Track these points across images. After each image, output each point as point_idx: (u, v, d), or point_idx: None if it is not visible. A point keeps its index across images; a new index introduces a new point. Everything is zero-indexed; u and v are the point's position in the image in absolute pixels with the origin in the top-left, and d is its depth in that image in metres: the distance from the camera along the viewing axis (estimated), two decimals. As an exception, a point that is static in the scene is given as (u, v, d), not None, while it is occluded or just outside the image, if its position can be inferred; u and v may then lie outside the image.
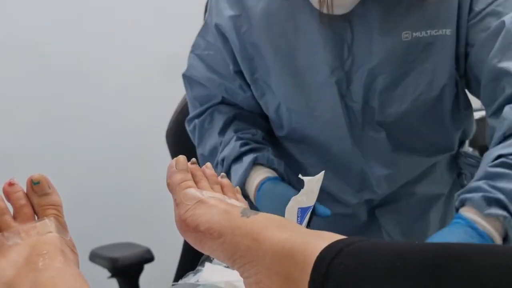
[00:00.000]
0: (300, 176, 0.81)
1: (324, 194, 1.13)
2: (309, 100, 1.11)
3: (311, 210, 0.83)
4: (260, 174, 1.11)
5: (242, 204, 0.73)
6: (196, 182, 0.71)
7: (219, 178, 0.76)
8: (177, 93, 1.56)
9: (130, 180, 2.33)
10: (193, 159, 0.75)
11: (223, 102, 1.24)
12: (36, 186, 0.64)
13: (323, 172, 0.83)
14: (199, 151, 1.23)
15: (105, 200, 2.27)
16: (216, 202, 0.67)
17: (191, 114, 1.26)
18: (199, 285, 0.88)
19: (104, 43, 2.28)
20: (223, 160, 1.16)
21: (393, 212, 1.17)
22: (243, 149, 1.14)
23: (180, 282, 0.91)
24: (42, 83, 2.16)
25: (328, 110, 1.10)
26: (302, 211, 0.80)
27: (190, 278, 0.90)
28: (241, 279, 0.61)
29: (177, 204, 0.68)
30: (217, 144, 1.19)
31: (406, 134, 1.11)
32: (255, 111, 1.23)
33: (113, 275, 1.59)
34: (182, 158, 0.73)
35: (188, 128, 1.27)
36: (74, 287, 0.54)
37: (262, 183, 1.09)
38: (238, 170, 1.13)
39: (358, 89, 1.07)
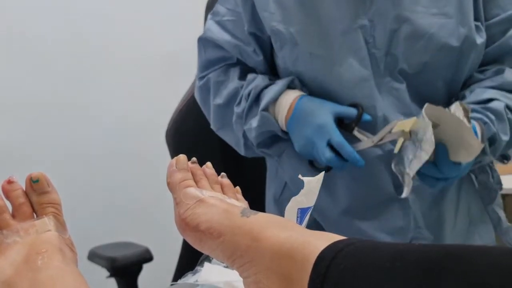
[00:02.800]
0: (299, 176, 0.81)
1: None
2: (333, 46, 1.12)
3: (310, 211, 0.82)
4: (295, 92, 1.15)
5: (242, 204, 0.73)
6: (196, 182, 0.71)
7: (219, 178, 0.76)
8: (177, 92, 1.56)
9: (130, 180, 2.33)
10: (194, 159, 0.75)
11: (235, 64, 1.25)
12: (35, 184, 0.64)
13: (323, 172, 0.82)
14: (215, 101, 1.24)
15: (104, 199, 2.27)
16: (216, 201, 0.66)
17: (203, 73, 1.27)
18: (198, 285, 0.88)
19: (104, 41, 2.28)
20: (249, 92, 1.17)
21: None
22: (272, 81, 1.18)
23: (179, 282, 0.91)
24: (42, 82, 2.15)
25: (352, 55, 1.11)
26: (301, 211, 0.80)
27: (189, 278, 0.90)
28: (240, 279, 0.61)
29: (177, 203, 0.68)
30: (238, 87, 1.20)
31: (425, 87, 1.13)
32: (264, 74, 1.23)
33: (112, 275, 1.59)
34: (182, 157, 0.73)
35: (199, 83, 1.28)
36: (73, 286, 0.54)
37: (300, 98, 1.13)
38: (270, 90, 1.15)
39: (382, 36, 1.10)
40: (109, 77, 2.29)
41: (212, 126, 1.29)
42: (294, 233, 0.57)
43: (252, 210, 0.64)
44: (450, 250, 0.45)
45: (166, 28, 2.32)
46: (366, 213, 1.16)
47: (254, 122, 1.16)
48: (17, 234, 0.60)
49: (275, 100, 1.15)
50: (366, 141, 1.08)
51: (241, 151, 1.25)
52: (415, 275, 0.44)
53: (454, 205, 1.18)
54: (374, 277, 0.46)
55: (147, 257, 1.62)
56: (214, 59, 1.26)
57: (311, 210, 0.81)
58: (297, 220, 0.78)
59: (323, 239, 0.53)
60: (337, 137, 1.06)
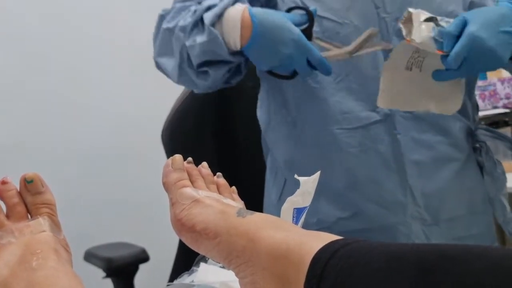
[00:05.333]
0: (295, 176, 0.81)
1: (338, 114, 1.13)
2: (342, 7, 1.11)
3: (306, 211, 0.82)
4: (240, 5, 1.07)
5: (238, 204, 0.73)
6: (192, 182, 0.71)
7: (215, 177, 0.76)
8: (173, 92, 1.56)
9: (125, 180, 2.33)
10: (189, 159, 0.75)
11: None
12: (30, 185, 0.64)
13: (318, 172, 0.82)
14: (166, 25, 1.14)
15: (100, 200, 2.26)
16: (212, 201, 0.66)
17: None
18: (194, 285, 0.88)
19: (102, 40, 2.27)
20: (197, 8, 1.09)
21: (415, 142, 1.14)
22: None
23: (175, 282, 0.91)
24: (39, 81, 2.15)
25: (361, 18, 1.10)
26: (297, 211, 0.80)
27: (185, 279, 0.90)
28: (237, 279, 0.61)
29: (172, 204, 0.68)
30: (191, 9, 1.11)
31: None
32: None
33: (108, 275, 1.59)
34: (178, 157, 0.72)
35: (162, 12, 1.18)
36: (68, 286, 0.54)
37: (249, 10, 1.06)
38: (214, 7, 1.07)
39: (392, 0, 1.09)
40: (106, 76, 2.29)
41: (154, 56, 1.20)
42: (290, 234, 0.57)
43: (248, 210, 0.64)
44: (446, 251, 0.45)
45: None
46: (364, 185, 1.14)
47: (199, 38, 1.08)
48: (11, 235, 0.60)
49: (220, 15, 1.07)
50: (338, 50, 1.07)
51: (175, 76, 1.16)
52: (411, 276, 0.44)
53: (456, 192, 1.17)
54: (370, 278, 0.46)
55: (143, 257, 1.62)
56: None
57: (306, 210, 0.81)
58: (293, 220, 0.78)
59: (319, 240, 0.53)
60: (316, 53, 1.04)
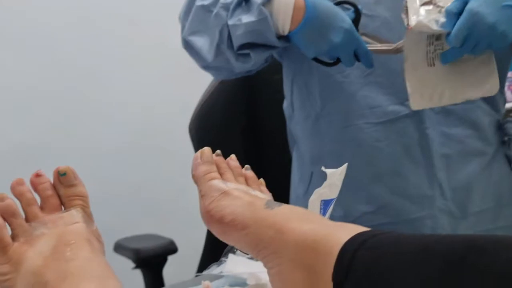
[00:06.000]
0: (322, 168, 0.81)
1: (365, 108, 1.13)
2: (370, 0, 1.09)
3: (333, 203, 0.83)
4: None
5: (266, 196, 0.73)
6: (220, 174, 0.72)
7: (243, 170, 0.76)
8: (200, 86, 1.56)
9: (154, 173, 2.35)
10: (218, 151, 0.75)
11: None
12: (63, 177, 0.65)
13: (346, 164, 0.82)
14: (200, 2, 1.09)
15: (129, 192, 2.28)
16: (241, 193, 0.67)
17: None
18: (222, 276, 0.89)
19: (124, 36, 2.29)
20: None
21: (444, 137, 1.13)
22: None
23: (203, 273, 0.92)
24: (66, 79, 2.17)
25: (388, 10, 1.09)
26: (325, 203, 0.80)
27: (213, 269, 0.91)
28: (265, 270, 0.62)
29: (202, 196, 0.69)
30: None
31: None
32: None
33: (137, 266, 1.60)
34: (207, 150, 0.73)
35: None
36: (101, 276, 0.55)
37: None
38: None
39: None
40: (132, 71, 2.30)
41: (183, 34, 1.14)
42: (317, 225, 0.57)
43: (276, 202, 0.65)
44: (474, 241, 0.45)
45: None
46: (390, 178, 1.14)
47: (246, 17, 1.02)
48: (45, 226, 0.61)
49: None
50: (385, 46, 1.04)
51: (209, 56, 1.10)
52: (438, 266, 0.44)
53: (484, 185, 1.16)
54: (398, 269, 0.46)
55: (171, 248, 1.63)
56: None
57: (334, 201, 0.81)
58: (320, 212, 0.79)
59: (347, 231, 0.53)
60: (364, 45, 1.02)
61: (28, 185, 0.65)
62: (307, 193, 1.23)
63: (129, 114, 2.29)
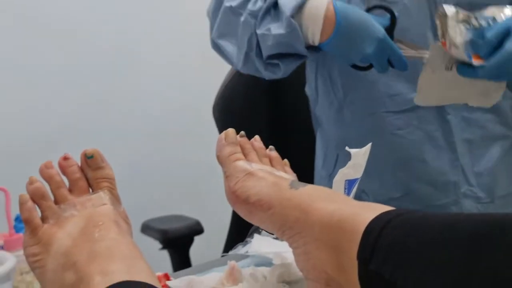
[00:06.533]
0: (346, 148, 0.81)
1: (385, 97, 1.11)
2: None
3: (357, 183, 0.83)
4: None
5: (291, 176, 0.73)
6: (245, 155, 0.72)
7: (267, 151, 0.77)
8: (223, 68, 1.56)
9: (180, 155, 2.36)
10: (242, 132, 0.76)
11: None
12: (90, 160, 0.66)
13: (370, 144, 0.82)
14: (228, 3, 1.07)
15: (156, 174, 2.30)
16: (265, 174, 0.67)
17: None
18: (248, 256, 0.89)
19: (151, 21, 2.29)
20: None
21: (465, 122, 1.12)
22: None
23: (230, 253, 0.92)
24: (92, 60, 2.19)
25: None
26: (349, 183, 0.80)
27: (239, 249, 0.92)
28: (290, 250, 0.62)
29: (227, 177, 0.69)
30: None
31: None
32: None
33: (164, 247, 1.62)
34: (231, 131, 0.74)
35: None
36: (129, 256, 0.56)
37: (334, 4, 0.99)
38: None
39: None
40: (158, 54, 2.31)
41: (212, 36, 1.13)
42: (342, 205, 0.57)
43: (300, 182, 0.65)
44: (499, 220, 0.45)
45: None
46: (413, 165, 1.13)
47: (275, 28, 1.00)
48: (74, 208, 0.62)
49: (301, 5, 0.99)
50: (418, 53, 1.02)
51: (239, 63, 1.09)
52: (464, 245, 0.44)
53: (508, 167, 1.15)
54: (423, 248, 0.46)
55: (197, 229, 1.64)
56: None
57: (358, 181, 0.81)
58: (344, 191, 0.79)
59: (372, 210, 0.53)
60: (399, 53, 1.00)
61: (56, 168, 0.66)
62: (332, 175, 1.23)
63: (155, 96, 2.31)
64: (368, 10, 1.04)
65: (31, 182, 0.63)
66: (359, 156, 0.79)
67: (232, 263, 0.76)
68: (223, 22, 1.09)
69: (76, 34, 2.16)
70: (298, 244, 0.59)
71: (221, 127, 1.57)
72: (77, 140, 2.05)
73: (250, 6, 1.03)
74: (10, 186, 0.91)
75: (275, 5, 1.02)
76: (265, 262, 0.83)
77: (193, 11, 2.13)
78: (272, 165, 0.74)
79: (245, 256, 0.90)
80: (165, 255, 1.64)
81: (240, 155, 0.71)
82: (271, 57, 1.04)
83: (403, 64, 1.01)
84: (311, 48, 1.04)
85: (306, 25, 0.99)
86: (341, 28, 0.97)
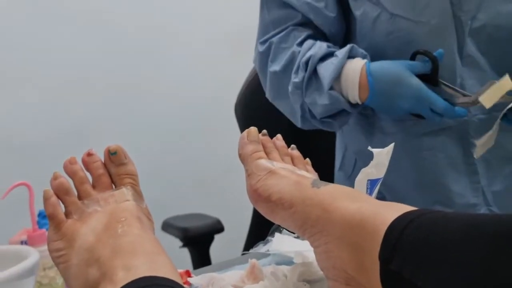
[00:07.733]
0: (369, 148, 0.80)
1: (410, 120, 1.10)
2: (417, 4, 1.05)
3: (380, 182, 0.82)
4: (359, 61, 1.06)
5: (312, 175, 0.73)
6: (267, 153, 0.72)
7: (289, 150, 0.77)
8: (246, 67, 1.57)
9: (201, 153, 2.37)
10: (264, 131, 0.76)
11: (302, 23, 1.16)
12: (113, 156, 0.66)
13: (392, 144, 0.82)
14: (272, 67, 1.16)
15: (177, 173, 2.31)
16: (287, 173, 0.67)
17: (265, 37, 1.18)
18: (269, 254, 0.90)
19: (175, 17, 2.30)
20: (307, 60, 1.09)
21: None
22: (331, 49, 1.09)
23: (250, 251, 0.92)
24: (114, 59, 2.20)
25: (436, 16, 1.05)
26: (371, 182, 0.80)
27: (260, 248, 0.92)
28: (311, 249, 0.62)
29: (248, 175, 0.70)
30: (295, 53, 1.12)
31: (509, 57, 1.05)
32: (335, 35, 1.17)
33: (184, 245, 1.63)
34: (253, 129, 0.74)
35: (261, 49, 1.19)
36: (152, 252, 0.57)
37: (367, 67, 1.05)
38: (329, 64, 1.07)
39: None
40: (181, 51, 2.32)
41: (267, 95, 1.22)
42: (364, 204, 0.57)
43: (322, 181, 0.65)
44: None
45: (236, 3, 2.32)
46: (432, 187, 1.12)
47: (320, 99, 1.08)
48: (97, 204, 0.62)
49: (338, 75, 1.06)
50: (463, 98, 1.02)
51: (298, 123, 1.18)
52: (488, 244, 0.44)
53: None
54: (445, 247, 0.46)
55: (218, 227, 1.65)
56: (278, 20, 1.16)
57: (380, 181, 0.81)
58: (367, 191, 0.78)
59: (394, 210, 0.53)
60: (441, 103, 1.01)
61: (80, 164, 0.66)
62: (351, 176, 1.23)
63: (177, 95, 2.31)
64: (413, 56, 1.06)
65: (55, 177, 0.64)
66: (382, 155, 0.79)
67: (253, 261, 0.77)
68: (273, 87, 1.19)
69: (105, 26, 2.17)
70: (319, 243, 0.59)
71: (243, 126, 1.58)
72: (100, 136, 2.06)
73: (293, 78, 1.11)
74: (33, 182, 0.92)
75: (316, 73, 1.09)
76: (286, 260, 0.83)
77: (221, 8, 2.14)
78: (294, 164, 0.74)
79: (266, 255, 0.90)
80: (185, 253, 1.65)
81: (262, 154, 0.71)
82: (325, 117, 1.12)
83: (449, 112, 1.02)
84: (357, 105, 1.10)
85: (345, 90, 1.07)
86: (375, 92, 1.04)
